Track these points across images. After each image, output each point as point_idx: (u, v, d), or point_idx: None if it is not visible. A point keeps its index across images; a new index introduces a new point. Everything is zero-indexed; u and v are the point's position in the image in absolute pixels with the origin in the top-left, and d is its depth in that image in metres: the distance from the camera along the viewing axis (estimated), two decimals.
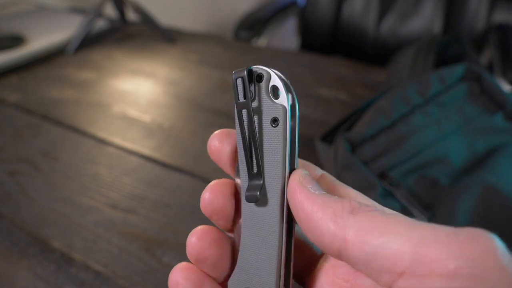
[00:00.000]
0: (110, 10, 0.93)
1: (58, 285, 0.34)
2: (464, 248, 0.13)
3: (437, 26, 1.04)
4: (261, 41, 1.09)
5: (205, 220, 0.20)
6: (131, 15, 0.92)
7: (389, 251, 0.14)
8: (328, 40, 1.18)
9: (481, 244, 0.13)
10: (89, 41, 0.83)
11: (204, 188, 0.19)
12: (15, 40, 0.76)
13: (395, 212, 0.15)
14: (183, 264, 0.20)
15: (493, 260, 0.12)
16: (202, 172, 0.46)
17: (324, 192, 0.17)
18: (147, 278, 0.34)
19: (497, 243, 0.13)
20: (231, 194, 0.19)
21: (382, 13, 1.10)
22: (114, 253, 0.36)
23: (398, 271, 0.13)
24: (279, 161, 0.17)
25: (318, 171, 0.19)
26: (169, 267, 0.35)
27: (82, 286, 0.34)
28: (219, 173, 0.46)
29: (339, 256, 0.15)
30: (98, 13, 0.82)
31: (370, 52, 1.13)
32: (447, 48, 0.53)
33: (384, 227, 0.14)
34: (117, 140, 0.53)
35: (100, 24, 0.87)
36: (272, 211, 0.18)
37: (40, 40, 0.77)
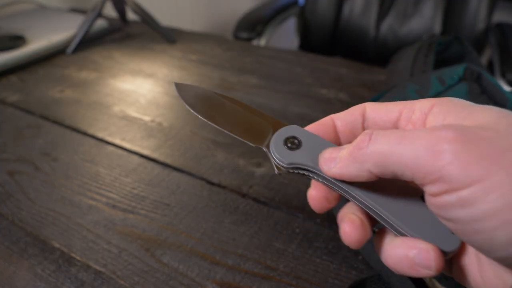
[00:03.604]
0: (110, 10, 0.93)
1: (58, 285, 0.34)
2: (439, 161, 0.16)
3: (437, 26, 1.04)
4: (261, 41, 1.09)
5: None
6: (131, 15, 0.92)
7: (398, 173, 0.18)
8: (328, 40, 1.18)
9: (449, 151, 0.16)
10: (89, 41, 0.83)
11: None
12: (15, 40, 0.76)
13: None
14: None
15: (460, 164, 0.16)
16: (202, 172, 0.46)
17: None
18: (147, 278, 0.34)
19: (463, 141, 0.16)
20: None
21: (382, 13, 1.10)
22: (114, 253, 0.36)
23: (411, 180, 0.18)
24: None
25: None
26: (169, 267, 0.35)
27: (82, 286, 0.34)
28: (219, 173, 0.46)
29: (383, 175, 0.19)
30: (98, 13, 0.82)
31: (370, 52, 1.13)
32: (447, 48, 0.53)
33: (385, 156, 0.18)
34: (117, 140, 0.53)
35: (100, 24, 0.87)
36: None
37: (40, 40, 0.77)
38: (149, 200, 0.42)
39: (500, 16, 1.12)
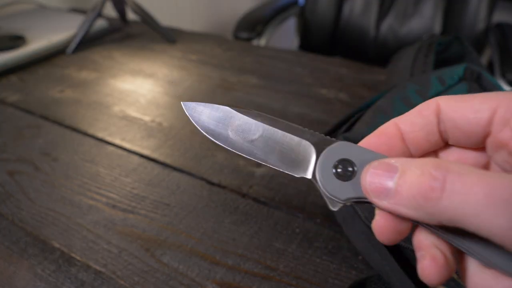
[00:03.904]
0: (110, 10, 0.93)
1: (58, 285, 0.34)
2: None
3: (437, 26, 1.04)
4: (261, 41, 1.09)
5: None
6: (131, 15, 0.92)
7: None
8: (328, 40, 1.18)
9: None
10: (89, 41, 0.83)
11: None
12: (15, 40, 0.75)
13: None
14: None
15: None
16: (202, 172, 0.46)
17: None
18: (147, 278, 0.34)
19: None
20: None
21: (382, 13, 1.10)
22: (114, 253, 0.36)
23: None
24: None
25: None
26: (169, 267, 0.35)
27: (82, 286, 0.34)
28: (219, 173, 0.46)
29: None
30: (98, 13, 0.82)
31: (370, 52, 1.13)
32: (447, 48, 0.53)
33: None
34: (117, 140, 0.53)
35: (100, 24, 0.87)
36: None
37: (40, 40, 0.77)
38: (149, 200, 0.42)
39: (500, 16, 1.12)
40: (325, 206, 0.40)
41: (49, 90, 0.66)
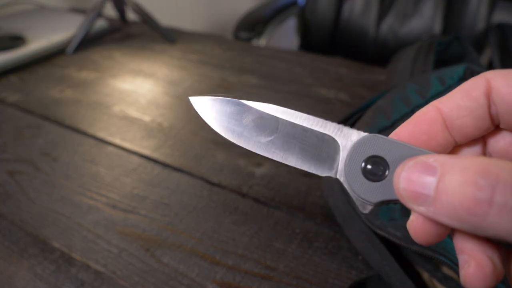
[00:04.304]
0: (110, 10, 0.93)
1: (58, 285, 0.34)
2: None
3: (437, 26, 1.04)
4: (261, 41, 1.09)
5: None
6: (131, 15, 0.92)
7: None
8: (328, 40, 1.18)
9: None
10: (89, 41, 0.83)
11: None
12: (15, 40, 0.75)
13: None
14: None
15: None
16: (202, 172, 0.46)
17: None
18: (147, 278, 0.34)
19: None
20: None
21: (382, 13, 1.10)
22: (114, 253, 0.36)
23: None
24: None
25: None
26: (169, 267, 0.35)
27: (82, 286, 0.34)
28: (219, 173, 0.46)
29: None
30: (98, 13, 0.82)
31: (370, 52, 1.13)
32: (447, 48, 0.53)
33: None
34: (117, 140, 0.53)
35: (100, 24, 0.87)
36: None
37: (40, 40, 0.77)
38: (149, 200, 0.42)
39: (500, 16, 1.12)
40: (325, 206, 0.40)
41: (49, 90, 0.66)
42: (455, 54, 0.53)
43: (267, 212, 0.40)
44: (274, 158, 0.18)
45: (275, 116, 0.18)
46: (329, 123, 0.18)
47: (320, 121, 0.18)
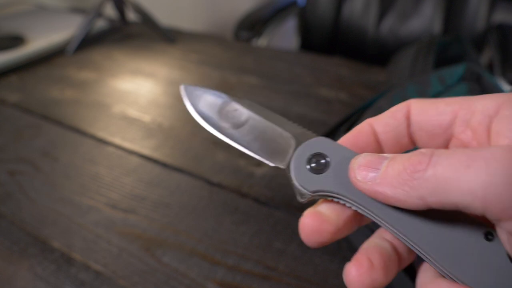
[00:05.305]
0: (110, 10, 0.93)
1: (58, 285, 0.34)
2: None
3: (437, 26, 1.04)
4: (261, 41, 1.09)
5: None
6: (131, 15, 0.92)
7: (463, 204, 0.14)
8: (328, 40, 1.18)
9: None
10: (89, 41, 0.83)
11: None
12: (15, 40, 0.76)
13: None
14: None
15: None
16: (202, 172, 0.46)
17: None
18: (147, 278, 0.34)
19: None
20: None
21: (382, 13, 1.10)
22: (114, 253, 0.36)
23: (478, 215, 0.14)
24: None
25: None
26: (169, 267, 0.35)
27: (82, 286, 0.34)
28: (219, 173, 0.46)
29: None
30: (98, 13, 0.82)
31: (370, 52, 1.13)
32: (447, 48, 0.53)
33: (447, 182, 0.14)
34: (117, 140, 0.53)
35: (100, 24, 0.87)
36: None
37: (40, 40, 0.77)
38: (149, 200, 0.42)
39: (500, 16, 1.12)
40: None
41: (49, 90, 0.66)
42: (455, 54, 0.53)
43: (267, 212, 0.40)
44: (236, 146, 0.20)
45: (248, 111, 0.21)
46: (291, 124, 0.20)
47: (284, 121, 0.21)
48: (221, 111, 0.21)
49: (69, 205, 0.42)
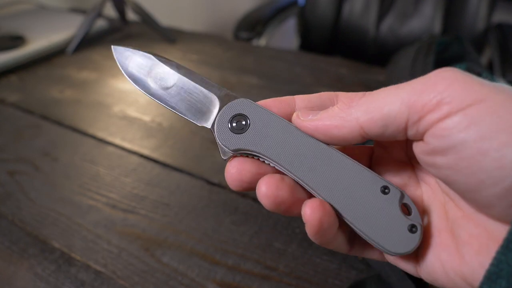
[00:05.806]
0: (110, 10, 0.93)
1: (58, 285, 0.34)
2: (438, 86, 0.16)
3: (437, 26, 1.04)
4: (261, 41, 1.09)
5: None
6: (131, 15, 0.92)
7: (392, 114, 0.17)
8: (328, 40, 1.18)
9: (447, 77, 0.16)
10: (89, 41, 0.83)
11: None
12: (15, 40, 0.76)
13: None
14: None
15: (460, 84, 0.16)
16: (202, 172, 0.46)
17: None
18: (147, 278, 0.34)
19: (458, 72, 0.16)
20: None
21: (382, 13, 1.10)
22: (114, 253, 0.36)
23: (403, 126, 0.17)
24: None
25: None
26: (169, 267, 0.35)
27: (82, 286, 0.34)
28: (219, 173, 0.46)
29: (364, 139, 0.18)
30: (98, 13, 0.82)
31: (370, 52, 1.13)
32: (447, 48, 0.53)
33: (378, 100, 0.18)
34: (117, 140, 0.53)
35: (100, 24, 0.87)
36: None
37: (40, 40, 0.77)
38: (149, 200, 0.42)
39: (500, 16, 1.12)
40: None
41: (49, 90, 0.66)
42: (455, 54, 0.53)
43: (267, 212, 0.40)
44: (165, 106, 0.22)
45: (176, 73, 0.22)
46: (216, 86, 0.21)
47: (210, 83, 0.22)
48: (150, 72, 0.22)
49: (69, 205, 0.42)
